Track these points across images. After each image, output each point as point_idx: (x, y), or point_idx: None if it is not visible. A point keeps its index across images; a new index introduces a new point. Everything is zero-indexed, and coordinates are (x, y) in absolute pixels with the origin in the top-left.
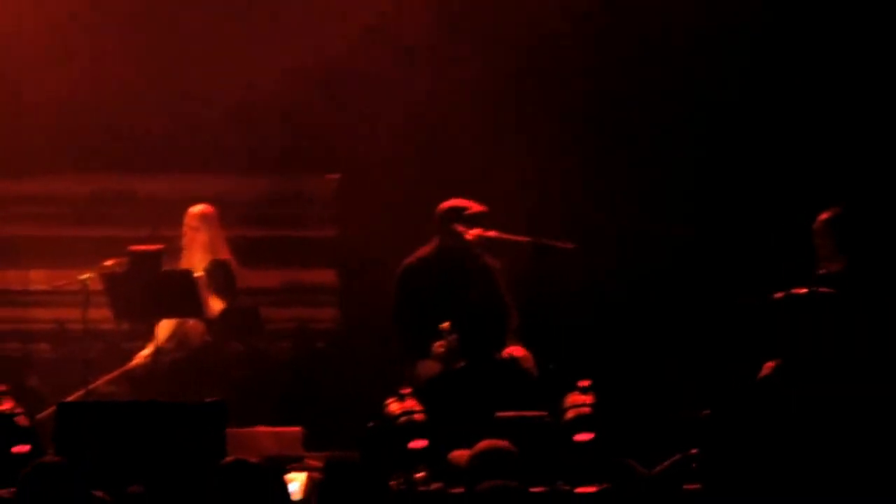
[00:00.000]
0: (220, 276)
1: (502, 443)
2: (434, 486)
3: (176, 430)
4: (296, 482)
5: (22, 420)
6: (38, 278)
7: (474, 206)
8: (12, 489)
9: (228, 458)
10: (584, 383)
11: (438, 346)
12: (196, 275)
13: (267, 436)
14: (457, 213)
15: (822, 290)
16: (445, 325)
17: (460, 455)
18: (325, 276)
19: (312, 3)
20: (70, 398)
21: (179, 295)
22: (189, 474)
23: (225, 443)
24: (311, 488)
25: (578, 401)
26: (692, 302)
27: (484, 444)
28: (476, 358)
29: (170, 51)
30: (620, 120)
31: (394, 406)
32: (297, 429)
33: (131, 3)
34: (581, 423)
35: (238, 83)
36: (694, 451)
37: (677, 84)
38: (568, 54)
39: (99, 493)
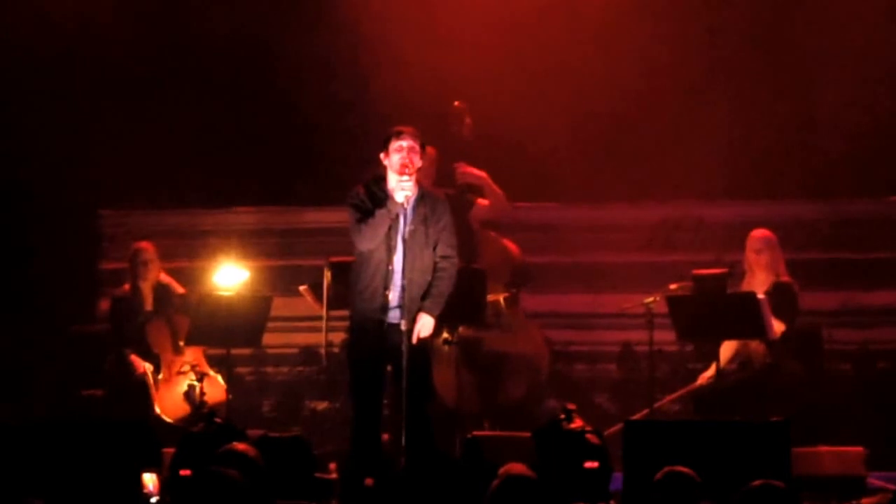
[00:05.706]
0: (781, 298)
1: None
2: None
3: (741, 449)
4: None
5: (592, 437)
6: (606, 302)
7: None
8: None
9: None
10: None
11: None
12: (758, 297)
13: (829, 455)
14: None
15: None
16: None
17: None
18: (888, 298)
19: None
20: (636, 416)
21: (743, 317)
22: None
23: (790, 462)
24: None
25: None
26: None
27: None
28: None
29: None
30: None
31: None
32: (859, 449)
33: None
34: None
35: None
36: None
37: None
38: None
39: None
